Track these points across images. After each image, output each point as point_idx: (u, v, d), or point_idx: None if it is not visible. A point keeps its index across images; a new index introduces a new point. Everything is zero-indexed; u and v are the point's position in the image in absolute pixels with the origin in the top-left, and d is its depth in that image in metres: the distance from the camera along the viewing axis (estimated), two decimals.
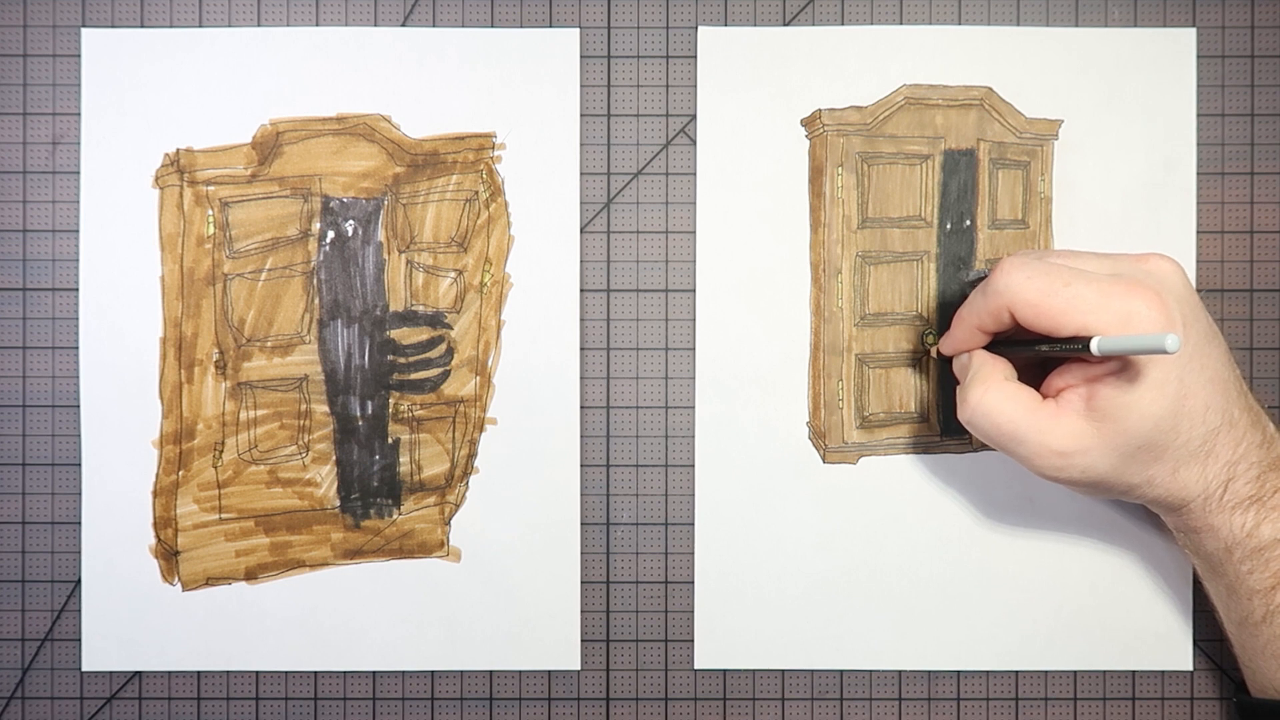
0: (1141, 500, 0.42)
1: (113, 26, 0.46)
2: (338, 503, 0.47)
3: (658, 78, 0.47)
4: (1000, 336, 0.42)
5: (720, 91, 0.47)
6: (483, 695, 0.47)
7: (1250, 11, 0.47)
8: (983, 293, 0.41)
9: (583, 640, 0.47)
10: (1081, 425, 0.39)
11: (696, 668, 0.47)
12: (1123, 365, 0.38)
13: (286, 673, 0.47)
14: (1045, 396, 0.41)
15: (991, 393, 0.40)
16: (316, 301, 0.46)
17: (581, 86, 0.47)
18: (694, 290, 0.47)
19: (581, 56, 0.47)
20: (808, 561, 0.47)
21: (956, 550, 0.47)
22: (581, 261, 0.47)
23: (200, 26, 0.46)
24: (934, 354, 0.47)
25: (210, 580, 0.47)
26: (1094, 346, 0.37)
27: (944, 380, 0.47)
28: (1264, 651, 0.42)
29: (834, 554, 0.47)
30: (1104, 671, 0.47)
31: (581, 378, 0.47)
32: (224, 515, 0.47)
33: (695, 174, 0.47)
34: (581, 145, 0.47)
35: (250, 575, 0.47)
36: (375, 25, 0.47)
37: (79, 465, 0.46)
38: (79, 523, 0.47)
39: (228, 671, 0.47)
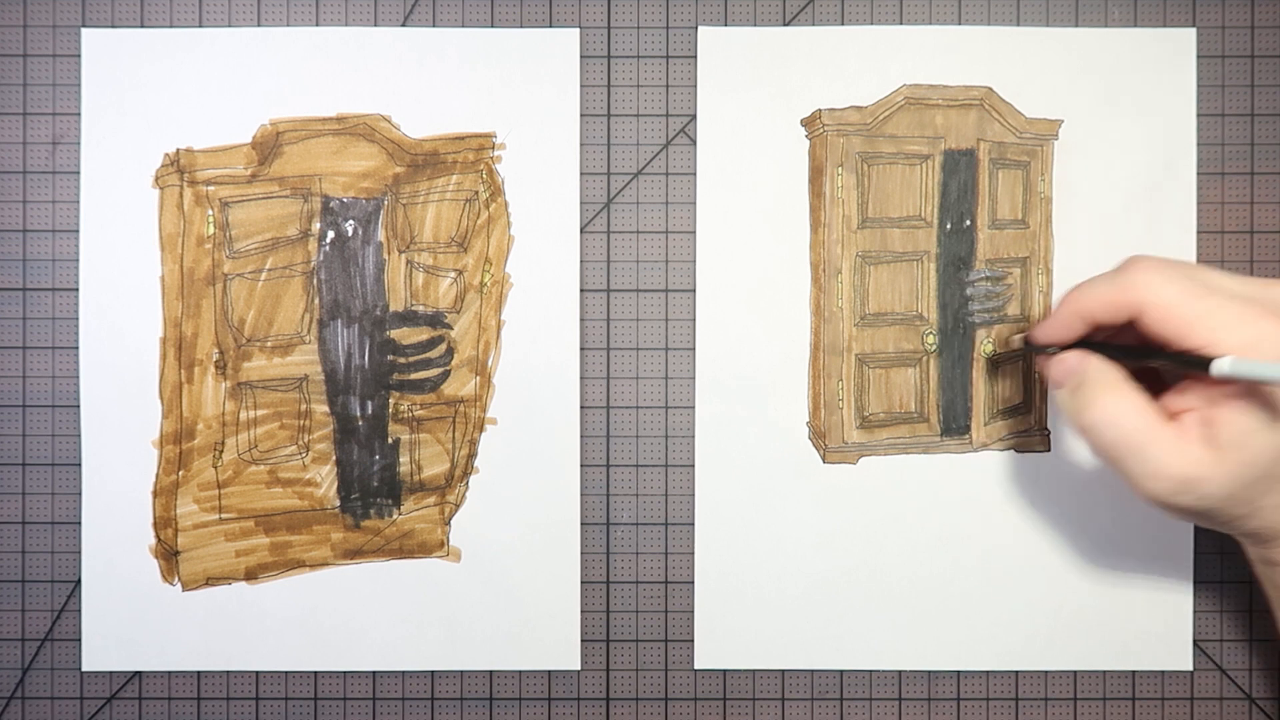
0: (1234, 530, 0.40)
1: (113, 26, 0.46)
2: (338, 503, 0.47)
3: (658, 78, 0.47)
4: (1099, 336, 0.41)
5: (720, 91, 0.47)
6: (483, 695, 0.47)
7: (1250, 11, 0.47)
8: (1109, 282, 0.39)
9: (583, 640, 0.47)
10: (1203, 452, 0.37)
11: (696, 668, 0.47)
12: (1249, 390, 0.37)
13: (286, 673, 0.47)
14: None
15: (1124, 401, 0.38)
16: (316, 301, 0.46)
17: (581, 86, 0.47)
18: (694, 290, 0.47)
19: (581, 56, 0.47)
20: (808, 561, 0.47)
21: (956, 550, 0.47)
22: (581, 261, 0.47)
23: (200, 26, 0.46)
24: (1019, 342, 0.45)
25: (210, 580, 0.47)
26: (1226, 366, 0.35)
27: (944, 380, 0.47)
28: None
29: (834, 554, 0.47)
30: (1104, 671, 0.47)
31: (581, 378, 0.47)
32: (224, 515, 0.47)
33: (695, 174, 0.47)
34: (581, 145, 0.47)
35: (250, 575, 0.47)
36: (375, 25, 0.47)
37: (79, 465, 0.46)
38: (79, 523, 0.47)
39: (228, 671, 0.47)
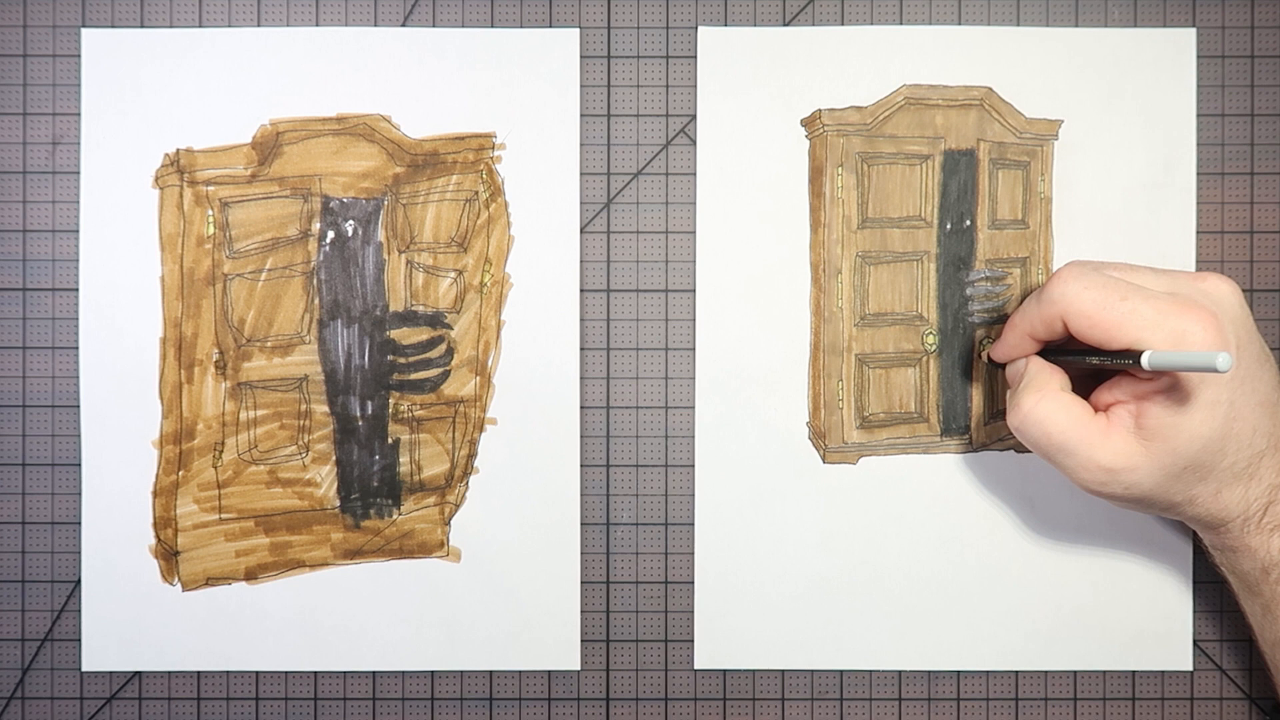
0: (1180, 517, 0.42)
1: (113, 26, 0.46)
2: (338, 503, 0.47)
3: (658, 78, 0.47)
4: (1052, 345, 0.43)
5: (720, 91, 0.47)
6: (483, 695, 0.47)
7: (1250, 11, 0.47)
8: (1037, 299, 0.41)
9: (583, 640, 0.47)
10: (1130, 442, 0.39)
11: (696, 668, 0.47)
12: (1174, 384, 0.38)
13: (286, 673, 0.47)
14: (1094, 410, 0.41)
15: (1046, 401, 0.40)
16: (316, 301, 0.46)
17: (581, 86, 0.47)
18: (694, 290, 0.47)
19: (581, 56, 0.47)
20: (808, 561, 0.47)
21: (956, 550, 0.47)
22: (581, 261, 0.47)
23: (200, 27, 0.46)
24: (984, 359, 0.47)
25: (210, 580, 0.47)
26: (1145, 361, 0.37)
27: (944, 380, 0.47)
28: None
29: (834, 554, 0.47)
30: (1104, 671, 0.47)
31: (581, 378, 0.47)
32: (224, 515, 0.47)
33: (695, 174, 0.47)
34: (581, 145, 0.47)
35: (250, 575, 0.47)
36: (375, 25, 0.47)
37: (79, 465, 0.46)
38: (79, 523, 0.47)
39: (228, 671, 0.47)
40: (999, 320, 0.47)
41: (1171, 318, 0.38)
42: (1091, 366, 0.40)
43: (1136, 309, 0.38)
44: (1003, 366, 0.45)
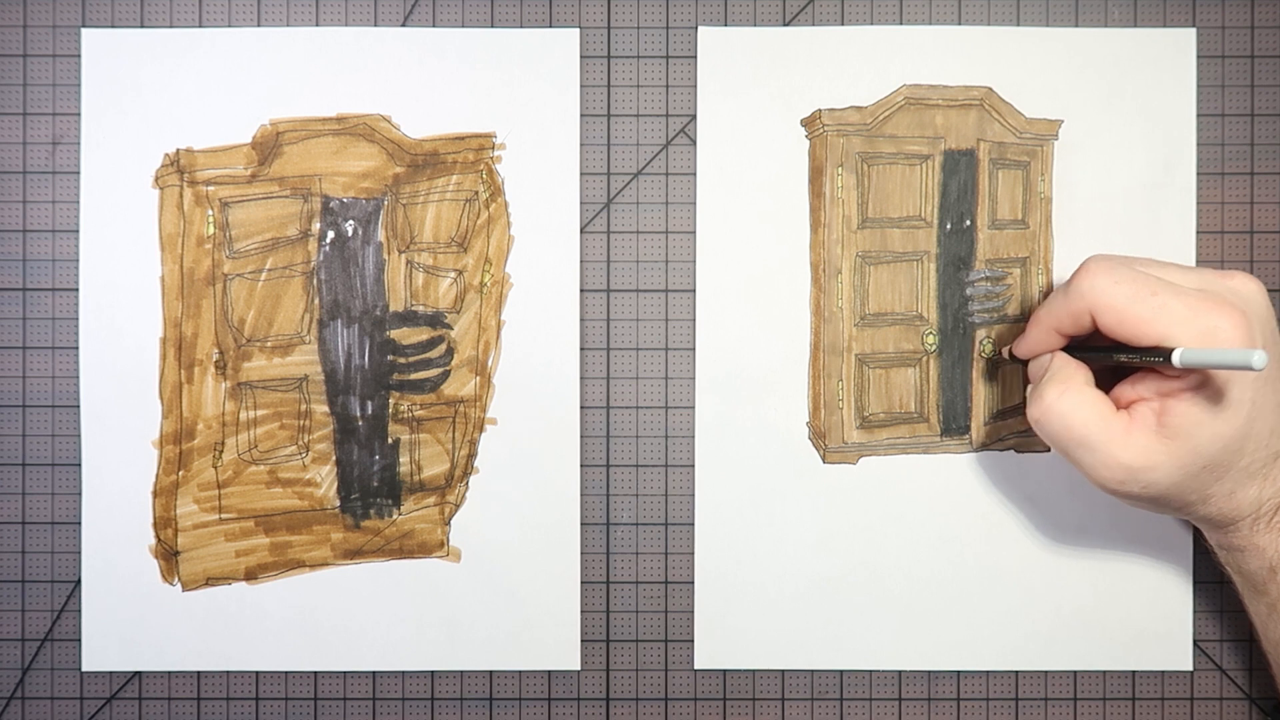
0: (1190, 517, 0.41)
1: (113, 26, 0.46)
2: (338, 503, 0.47)
3: (658, 78, 0.47)
4: (1076, 341, 0.42)
5: (720, 91, 0.47)
6: (483, 695, 0.47)
7: (1250, 11, 0.47)
8: (1064, 293, 0.40)
9: (583, 640, 0.47)
10: (1152, 441, 0.39)
11: (696, 668, 0.47)
12: (1200, 383, 0.38)
13: (286, 673, 0.47)
14: (1115, 406, 0.40)
15: (1069, 395, 0.40)
16: (316, 301, 0.46)
17: (581, 86, 0.47)
18: (694, 290, 0.47)
19: (581, 56, 0.47)
20: (808, 561, 0.47)
21: (956, 550, 0.47)
22: (581, 261, 0.47)
23: (200, 27, 0.46)
24: (1006, 355, 0.46)
25: (210, 580, 0.47)
26: (1176, 358, 0.36)
27: (944, 380, 0.47)
28: None
29: (834, 554, 0.47)
30: (1104, 671, 0.47)
31: (581, 378, 0.47)
32: (224, 515, 0.47)
33: (695, 174, 0.47)
34: (581, 145, 0.47)
35: (250, 575, 0.47)
36: (375, 25, 0.47)
37: (79, 465, 0.46)
38: (79, 523, 0.47)
39: (228, 671, 0.47)
40: (999, 320, 0.47)
41: (1202, 315, 0.37)
42: (1116, 363, 0.40)
43: (1167, 304, 0.38)
44: (1025, 363, 0.45)
